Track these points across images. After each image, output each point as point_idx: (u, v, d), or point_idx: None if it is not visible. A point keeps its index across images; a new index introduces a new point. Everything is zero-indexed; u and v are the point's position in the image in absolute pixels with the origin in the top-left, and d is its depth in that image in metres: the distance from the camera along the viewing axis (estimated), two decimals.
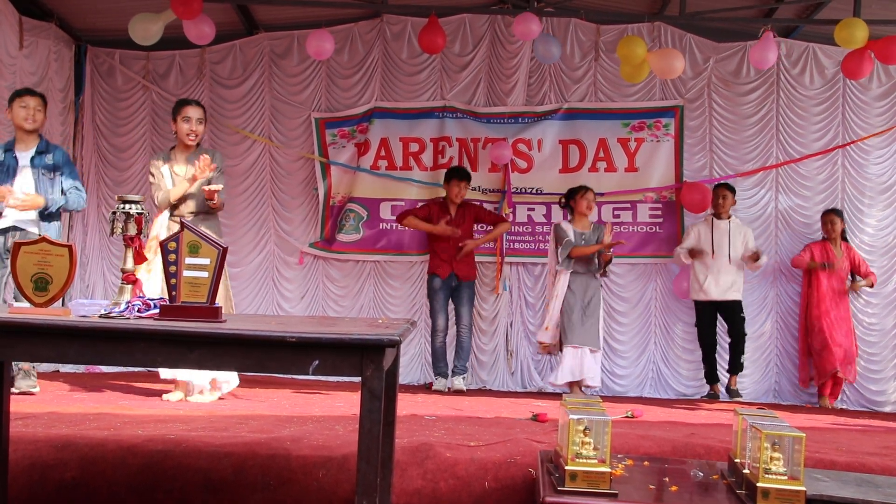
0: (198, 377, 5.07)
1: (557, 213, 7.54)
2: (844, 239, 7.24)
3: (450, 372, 6.95)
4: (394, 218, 7.60)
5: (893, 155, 7.51)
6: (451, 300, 6.98)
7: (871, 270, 7.22)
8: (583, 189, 6.70)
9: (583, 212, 6.63)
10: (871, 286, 7.20)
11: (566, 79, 7.63)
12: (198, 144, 5.21)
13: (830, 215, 7.17)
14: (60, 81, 7.24)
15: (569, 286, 6.50)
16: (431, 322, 6.98)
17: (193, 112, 5.11)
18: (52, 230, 5.16)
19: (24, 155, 5.16)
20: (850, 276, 7.22)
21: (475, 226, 7.14)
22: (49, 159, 5.17)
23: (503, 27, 7.45)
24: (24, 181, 5.11)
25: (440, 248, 6.91)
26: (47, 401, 4.81)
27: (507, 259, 7.57)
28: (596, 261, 6.55)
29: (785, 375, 7.46)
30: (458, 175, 6.94)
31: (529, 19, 6.51)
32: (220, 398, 5.19)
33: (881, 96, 7.49)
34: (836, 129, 7.49)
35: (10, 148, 5.17)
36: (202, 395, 5.10)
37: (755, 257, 6.90)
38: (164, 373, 5.19)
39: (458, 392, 6.73)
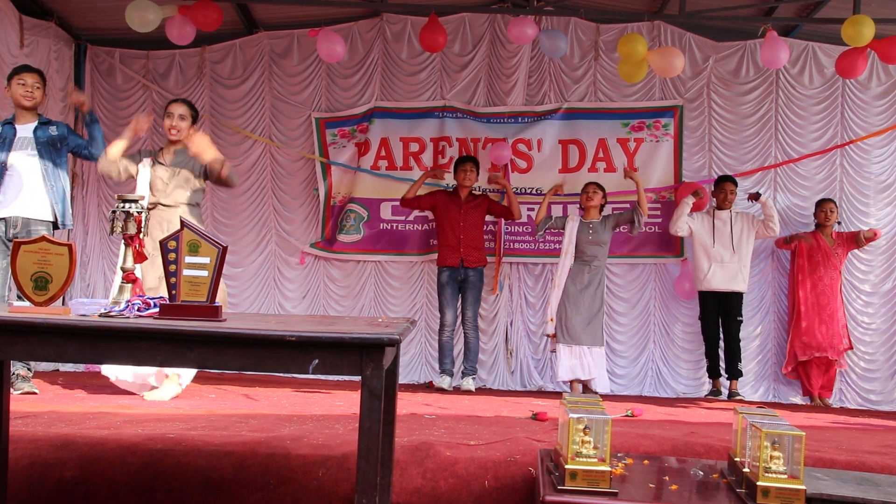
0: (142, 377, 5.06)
1: (557, 213, 7.53)
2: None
3: (455, 371, 6.93)
4: (394, 218, 7.62)
5: (893, 154, 7.51)
6: (459, 295, 6.95)
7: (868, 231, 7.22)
8: (585, 184, 6.79)
9: (584, 204, 6.70)
10: (875, 236, 7.14)
11: (566, 78, 7.63)
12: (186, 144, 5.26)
13: (827, 203, 7.19)
14: (61, 80, 7.24)
15: (569, 276, 6.52)
16: (440, 316, 6.96)
17: (176, 108, 5.22)
18: (66, 212, 5.20)
19: (25, 128, 5.17)
20: (842, 269, 7.22)
21: (486, 221, 7.15)
22: (53, 130, 5.21)
23: (503, 26, 7.44)
24: (27, 156, 5.10)
25: (449, 234, 6.88)
26: (47, 400, 4.81)
27: (507, 259, 7.58)
28: (597, 249, 6.55)
29: (784, 374, 7.46)
30: (462, 160, 7.03)
31: (524, 23, 6.54)
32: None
33: (880, 95, 7.49)
34: (835, 128, 7.49)
35: (10, 122, 5.19)
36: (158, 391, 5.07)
37: (754, 196, 7.02)
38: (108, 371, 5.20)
39: (468, 392, 6.70)
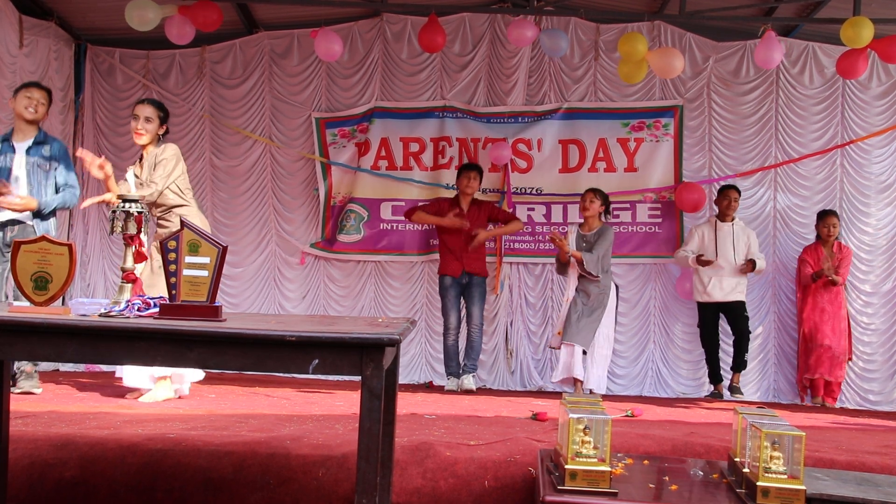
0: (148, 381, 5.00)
1: (558, 214, 7.56)
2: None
3: (460, 371, 6.91)
4: (394, 218, 7.61)
5: (893, 154, 7.50)
6: (462, 298, 6.90)
7: (846, 275, 7.14)
8: (584, 192, 6.67)
9: (582, 214, 6.61)
10: (834, 284, 7.05)
11: (566, 78, 7.63)
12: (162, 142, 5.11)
13: (831, 217, 7.11)
14: (60, 80, 7.24)
15: (576, 289, 6.47)
16: (443, 320, 6.91)
17: (142, 110, 5.03)
18: (48, 229, 5.13)
19: (21, 145, 5.14)
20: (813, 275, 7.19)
21: (489, 224, 7.03)
22: (46, 151, 5.15)
23: (503, 26, 7.44)
24: (18, 172, 5.07)
25: (450, 244, 6.80)
26: (47, 400, 4.81)
27: (507, 259, 7.58)
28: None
29: (783, 375, 7.46)
30: (466, 167, 6.93)
31: (523, 25, 6.55)
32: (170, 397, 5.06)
33: (881, 95, 7.49)
34: (835, 128, 7.49)
35: (7, 138, 5.16)
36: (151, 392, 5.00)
37: (750, 267, 6.90)
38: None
39: (468, 392, 6.67)
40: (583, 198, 6.57)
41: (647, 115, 7.57)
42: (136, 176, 5.06)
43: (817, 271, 7.03)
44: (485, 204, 7.03)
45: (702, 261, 6.91)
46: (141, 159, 5.17)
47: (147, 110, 5.05)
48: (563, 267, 6.54)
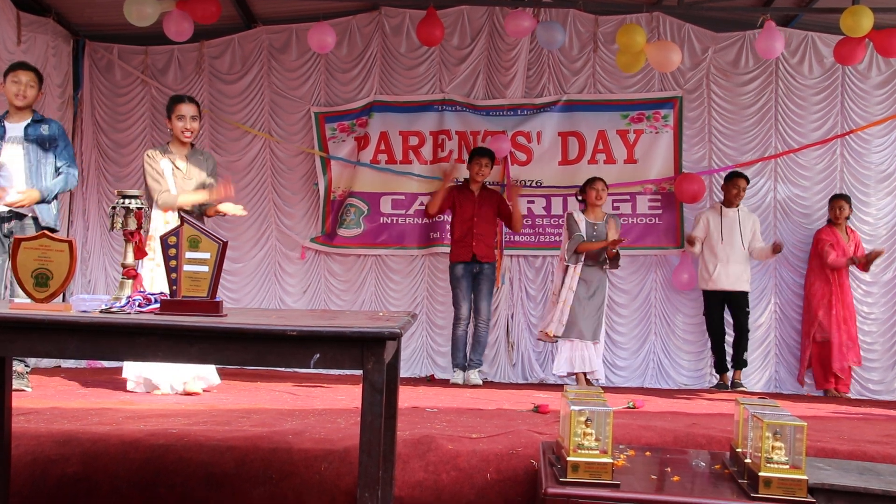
0: (157, 376, 4.97)
1: (558, 206, 7.54)
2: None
3: (466, 363, 6.89)
4: (394, 212, 7.60)
5: (893, 143, 7.49)
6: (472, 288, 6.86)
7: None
8: (591, 180, 6.69)
9: (593, 202, 6.61)
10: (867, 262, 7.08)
11: (565, 70, 7.61)
12: (192, 144, 5.18)
13: (840, 200, 7.13)
14: (59, 77, 7.23)
15: (580, 278, 6.48)
16: (454, 310, 6.84)
17: (187, 109, 5.05)
18: (47, 213, 5.07)
19: (16, 126, 5.06)
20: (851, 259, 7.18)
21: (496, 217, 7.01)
22: (45, 130, 5.09)
23: (501, 19, 7.41)
24: (13, 153, 5.01)
25: (461, 226, 6.74)
26: (49, 396, 4.82)
27: (508, 252, 7.57)
28: (604, 255, 6.50)
29: (785, 365, 7.46)
30: (478, 153, 6.84)
31: (521, 17, 6.55)
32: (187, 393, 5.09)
33: (880, 84, 7.47)
34: (835, 118, 7.48)
35: (0, 120, 5.10)
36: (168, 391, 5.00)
37: (777, 248, 6.90)
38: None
39: (476, 386, 6.63)
40: (593, 187, 6.60)
41: (646, 106, 7.56)
42: (179, 169, 5.03)
43: (861, 255, 6.99)
44: (496, 193, 7.01)
45: (690, 238, 7.06)
46: (168, 150, 5.09)
47: (192, 109, 5.09)
48: (578, 255, 6.53)
